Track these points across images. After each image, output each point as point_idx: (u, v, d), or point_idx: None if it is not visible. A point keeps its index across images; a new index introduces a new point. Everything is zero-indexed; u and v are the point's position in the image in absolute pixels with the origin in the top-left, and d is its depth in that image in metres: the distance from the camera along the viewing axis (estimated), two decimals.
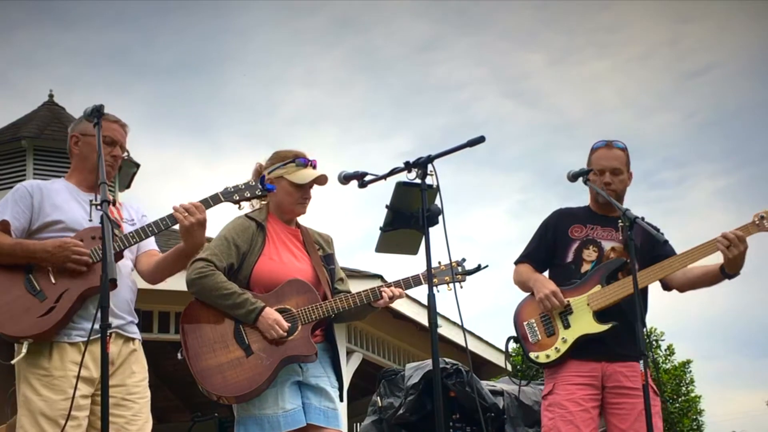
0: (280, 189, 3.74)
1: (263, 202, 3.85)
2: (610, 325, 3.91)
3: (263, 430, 3.52)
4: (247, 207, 3.76)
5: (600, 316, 3.95)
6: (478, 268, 3.81)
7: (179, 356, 3.57)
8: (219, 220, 3.78)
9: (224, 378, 3.49)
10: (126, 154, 3.66)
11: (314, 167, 3.80)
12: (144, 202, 3.89)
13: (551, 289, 3.97)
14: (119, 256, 3.44)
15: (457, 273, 3.76)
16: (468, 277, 3.80)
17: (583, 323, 3.95)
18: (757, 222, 3.89)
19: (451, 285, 3.73)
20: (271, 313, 3.53)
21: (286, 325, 3.53)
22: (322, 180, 3.76)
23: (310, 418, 3.61)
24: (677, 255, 4.00)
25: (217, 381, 3.49)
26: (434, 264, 3.62)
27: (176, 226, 3.49)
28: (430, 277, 3.31)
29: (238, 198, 3.52)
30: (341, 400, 3.79)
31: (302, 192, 3.77)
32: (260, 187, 3.52)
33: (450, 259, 3.65)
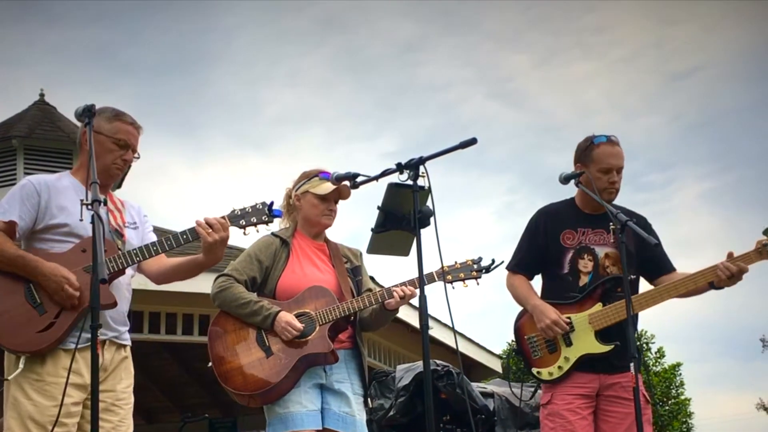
0: (305, 203, 3.93)
1: (268, 224, 3.86)
2: (612, 346, 3.90)
3: (287, 427, 3.65)
4: (252, 232, 3.76)
5: (601, 335, 3.93)
6: (492, 264, 3.85)
7: (209, 365, 3.73)
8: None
9: (245, 378, 3.67)
10: (137, 156, 3.58)
11: None
12: (131, 200, 3.85)
13: (553, 319, 3.93)
14: (120, 272, 3.40)
15: (473, 270, 3.82)
16: (484, 275, 3.84)
17: (586, 342, 3.93)
18: (761, 250, 3.84)
19: (468, 282, 3.81)
20: (284, 316, 3.67)
21: (299, 325, 3.65)
22: (344, 192, 3.87)
23: (328, 423, 3.73)
24: (677, 281, 3.96)
25: (239, 381, 3.68)
26: (450, 262, 3.79)
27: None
28: (422, 278, 3.30)
29: (244, 223, 3.48)
30: (366, 405, 3.92)
31: (326, 204, 3.91)
32: (267, 212, 3.50)
33: (441, 260, 3.65)
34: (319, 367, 3.73)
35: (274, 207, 3.56)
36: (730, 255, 3.87)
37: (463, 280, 3.80)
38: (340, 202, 3.94)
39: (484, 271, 3.84)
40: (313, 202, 3.90)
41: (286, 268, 3.83)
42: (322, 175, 3.91)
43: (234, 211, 3.49)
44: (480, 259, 3.86)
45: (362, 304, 3.74)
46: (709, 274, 3.88)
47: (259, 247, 3.87)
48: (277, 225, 3.97)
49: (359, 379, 3.88)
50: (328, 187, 3.86)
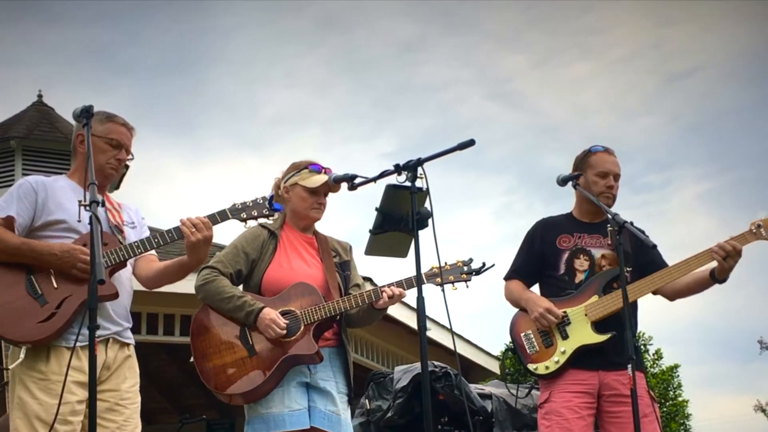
0: (294, 195, 3.86)
1: (269, 220, 3.87)
2: (608, 336, 3.89)
3: (269, 428, 3.59)
4: (253, 224, 3.76)
5: (598, 326, 3.93)
6: (483, 267, 3.79)
7: (191, 360, 3.68)
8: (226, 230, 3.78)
9: (227, 377, 3.61)
10: (131, 157, 3.63)
11: (328, 174, 3.85)
12: (129, 202, 3.90)
13: (545, 307, 3.94)
14: (122, 265, 3.45)
15: (462, 272, 3.77)
16: (474, 277, 3.79)
17: (582, 334, 3.93)
18: (755, 231, 3.87)
19: (457, 284, 3.75)
20: (268, 313, 3.59)
21: (283, 323, 3.58)
22: (334, 186, 3.81)
23: (315, 421, 3.67)
24: (672, 266, 3.98)
25: (221, 380, 3.61)
26: (440, 264, 3.70)
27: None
28: (420, 280, 3.30)
29: (245, 216, 3.55)
30: (350, 404, 3.86)
31: (316, 197, 3.84)
32: (267, 206, 3.56)
33: (439, 260, 3.63)
34: (300, 364, 3.67)
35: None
36: (731, 238, 3.89)
37: (452, 282, 3.74)
38: (337, 200, 3.91)
39: (474, 273, 3.78)
40: (302, 195, 3.84)
41: (272, 261, 3.76)
42: (312, 167, 3.84)
43: (235, 204, 3.55)
44: (471, 260, 3.81)
45: (349, 305, 3.68)
46: (703, 258, 3.90)
47: (246, 239, 3.80)
48: (253, 223, 3.88)
49: (344, 377, 3.82)
50: (318, 179, 3.80)
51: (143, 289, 3.82)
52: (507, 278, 4.22)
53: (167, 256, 3.89)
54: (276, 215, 3.89)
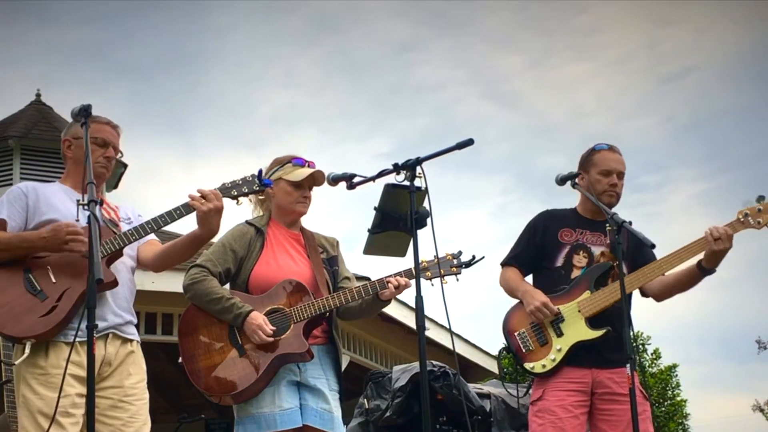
0: (279, 190, 3.82)
1: (260, 196, 3.87)
2: (603, 331, 3.90)
3: (260, 428, 3.56)
4: (246, 203, 3.77)
5: (592, 321, 3.93)
6: (473, 259, 3.75)
7: (179, 361, 3.64)
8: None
9: (217, 377, 3.57)
10: (120, 155, 3.65)
11: (311, 167, 3.84)
12: (125, 203, 3.91)
13: (542, 301, 3.93)
14: (119, 253, 3.45)
15: (452, 265, 3.73)
16: (464, 271, 3.74)
17: (577, 330, 3.93)
18: (742, 219, 3.87)
19: (447, 278, 3.71)
20: (255, 318, 3.56)
21: (269, 329, 3.55)
22: (318, 178, 3.78)
23: (306, 419, 3.63)
24: (665, 257, 3.97)
25: (210, 381, 3.57)
26: (429, 258, 3.67)
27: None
28: (418, 279, 3.30)
29: (236, 193, 3.52)
30: (341, 401, 3.81)
31: (301, 191, 3.82)
32: (257, 182, 3.54)
33: (437, 253, 3.61)
34: (290, 363, 3.63)
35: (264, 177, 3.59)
36: None
37: (442, 276, 3.70)
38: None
39: (464, 266, 3.74)
40: (287, 190, 3.81)
41: (260, 258, 3.73)
42: (295, 161, 3.83)
43: (224, 184, 3.53)
44: (460, 253, 3.76)
45: (338, 302, 3.65)
46: (694, 248, 3.89)
47: (234, 236, 3.77)
48: (251, 214, 3.93)
49: (335, 375, 3.79)
50: (302, 173, 3.78)
51: (140, 289, 3.82)
52: (504, 264, 4.21)
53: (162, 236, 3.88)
54: (254, 210, 3.91)
